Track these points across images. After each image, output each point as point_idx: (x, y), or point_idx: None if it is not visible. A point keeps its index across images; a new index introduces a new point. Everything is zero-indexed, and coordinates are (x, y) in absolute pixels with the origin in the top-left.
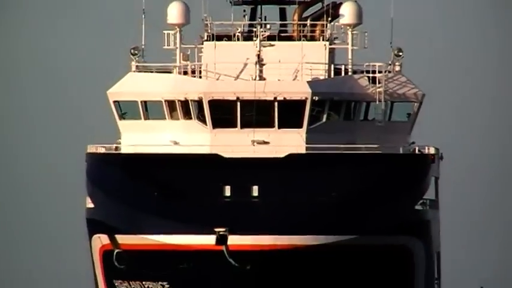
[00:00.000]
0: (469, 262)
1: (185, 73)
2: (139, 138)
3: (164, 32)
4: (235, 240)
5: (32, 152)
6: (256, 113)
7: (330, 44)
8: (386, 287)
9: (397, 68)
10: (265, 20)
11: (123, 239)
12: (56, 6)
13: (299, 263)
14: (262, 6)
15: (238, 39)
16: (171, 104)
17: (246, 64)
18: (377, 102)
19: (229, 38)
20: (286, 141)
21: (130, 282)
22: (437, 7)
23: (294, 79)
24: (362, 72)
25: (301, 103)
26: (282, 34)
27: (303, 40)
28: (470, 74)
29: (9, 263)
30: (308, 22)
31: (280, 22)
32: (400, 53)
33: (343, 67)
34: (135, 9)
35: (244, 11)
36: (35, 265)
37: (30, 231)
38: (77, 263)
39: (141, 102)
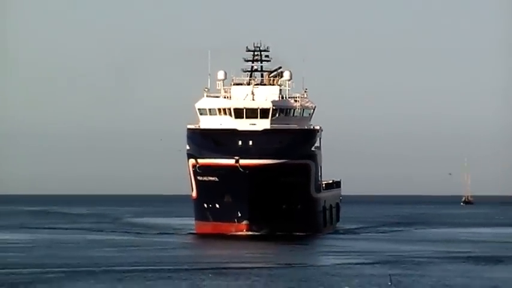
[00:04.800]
0: (336, 171)
1: (225, 98)
2: (207, 123)
3: (217, 81)
4: (242, 162)
5: (168, 127)
6: (251, 113)
7: (279, 87)
8: (301, 181)
9: (305, 95)
10: (255, 77)
11: (199, 161)
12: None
13: (268, 171)
14: (254, 72)
15: (244, 85)
16: (219, 109)
17: (247, 94)
18: (297, 109)
19: (241, 84)
20: (262, 124)
21: (204, 177)
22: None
23: (265, 100)
24: (292, 97)
25: (268, 109)
26: (261, 83)
27: (269, 85)
28: (338, 95)
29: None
30: (271, 78)
31: (260, 78)
32: (306, 89)
33: (284, 95)
34: (203, 72)
35: (247, 74)
36: (163, 175)
37: (161, 160)
38: (182, 171)
39: (208, 109)
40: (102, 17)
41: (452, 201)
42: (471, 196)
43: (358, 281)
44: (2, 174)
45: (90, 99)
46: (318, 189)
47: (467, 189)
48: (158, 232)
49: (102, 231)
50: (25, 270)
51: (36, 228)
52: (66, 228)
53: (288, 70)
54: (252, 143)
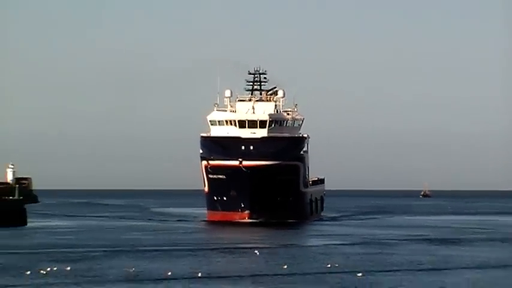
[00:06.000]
0: (321, 170)
1: (231, 111)
2: (216, 131)
3: (224, 98)
4: (245, 163)
5: (188, 137)
6: (252, 124)
7: (275, 103)
8: (292, 179)
9: (295, 109)
10: (255, 95)
11: (210, 162)
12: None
13: (265, 171)
14: (254, 91)
15: (247, 101)
16: (226, 121)
17: (249, 109)
18: (289, 120)
19: (244, 100)
20: (261, 132)
21: (214, 175)
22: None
23: (263, 113)
24: (285, 111)
25: (265, 121)
26: (260, 100)
27: (267, 101)
28: (325, 111)
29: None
30: (268, 96)
31: (259, 96)
32: (296, 105)
33: (279, 110)
34: (214, 91)
35: (249, 92)
36: (180, 171)
37: (179, 164)
38: (196, 171)
39: (217, 120)
40: (116, 40)
41: (413, 194)
42: (428, 190)
43: (340, 258)
44: (53, 171)
45: (120, 112)
46: (306, 185)
47: (425, 184)
48: (178, 219)
49: (133, 218)
50: (73, 250)
51: (81, 216)
52: (105, 216)
53: (281, 89)
54: (253, 147)
